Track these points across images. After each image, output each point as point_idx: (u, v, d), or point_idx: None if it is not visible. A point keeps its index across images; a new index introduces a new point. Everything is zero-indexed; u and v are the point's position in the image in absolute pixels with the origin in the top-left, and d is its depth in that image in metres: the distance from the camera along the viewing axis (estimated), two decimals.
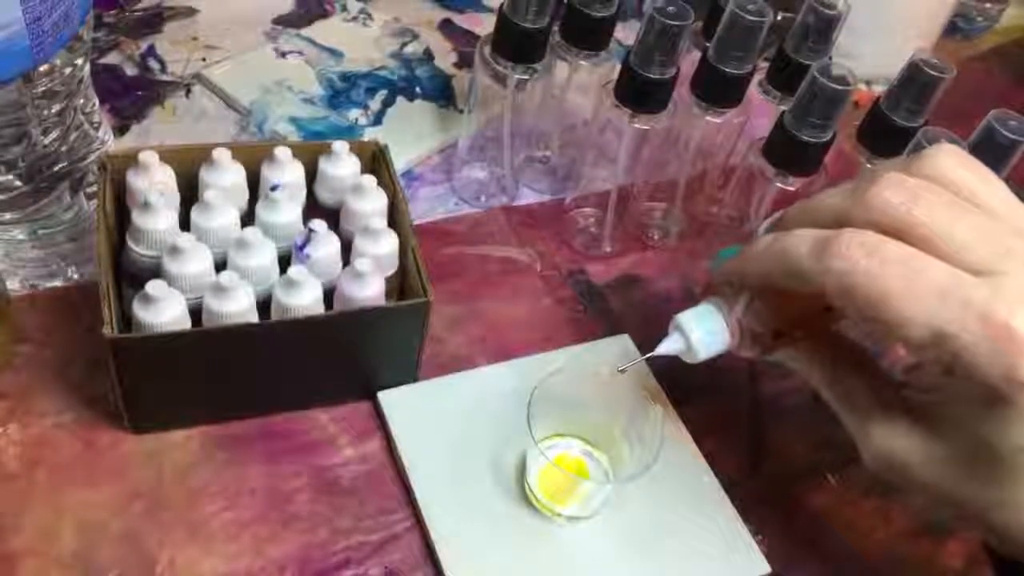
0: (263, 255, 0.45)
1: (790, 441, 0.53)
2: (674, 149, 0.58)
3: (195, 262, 0.44)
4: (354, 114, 0.65)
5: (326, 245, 0.46)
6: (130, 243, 0.46)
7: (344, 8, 0.74)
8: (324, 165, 0.50)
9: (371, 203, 0.49)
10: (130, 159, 0.47)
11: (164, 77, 0.65)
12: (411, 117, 0.66)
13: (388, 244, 0.47)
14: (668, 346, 0.44)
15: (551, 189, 0.64)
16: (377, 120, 0.65)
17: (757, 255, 0.40)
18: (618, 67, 0.54)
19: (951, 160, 0.36)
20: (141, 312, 0.42)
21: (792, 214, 0.41)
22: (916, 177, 0.36)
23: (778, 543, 0.48)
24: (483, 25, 0.75)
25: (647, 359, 0.45)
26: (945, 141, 0.46)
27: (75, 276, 0.52)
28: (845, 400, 0.40)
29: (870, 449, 0.39)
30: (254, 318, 0.45)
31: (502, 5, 0.54)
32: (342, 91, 0.67)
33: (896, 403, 0.39)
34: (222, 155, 0.48)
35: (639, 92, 0.53)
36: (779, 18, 0.55)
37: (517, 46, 0.55)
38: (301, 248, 0.46)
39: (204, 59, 0.67)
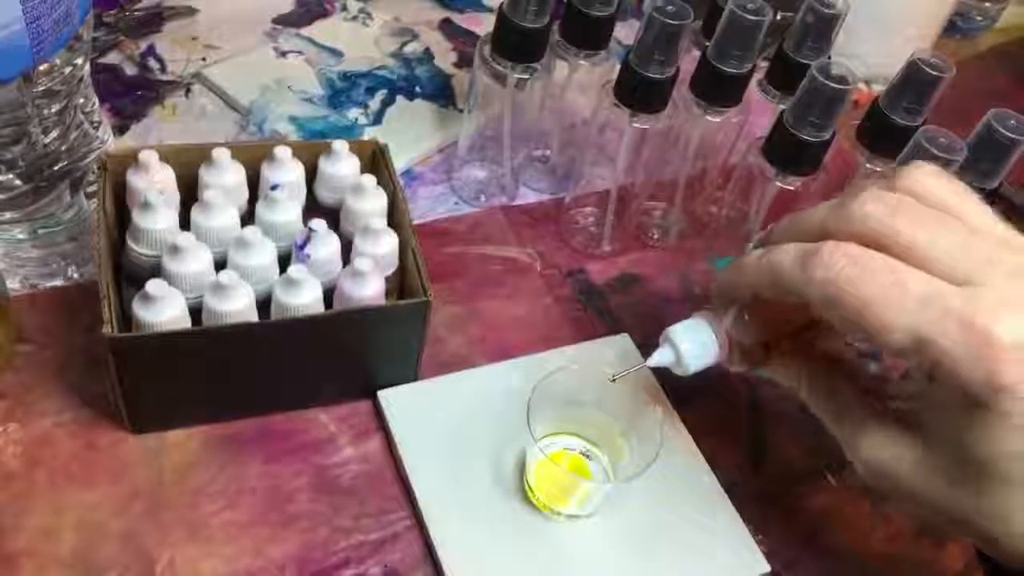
0: (263, 255, 0.45)
1: (790, 441, 0.53)
2: (674, 149, 0.58)
3: (195, 261, 0.44)
4: (354, 113, 0.65)
5: (326, 245, 0.46)
6: (130, 243, 0.46)
7: (344, 8, 0.74)
8: (324, 165, 0.50)
9: (371, 203, 0.49)
10: (130, 159, 0.48)
11: (164, 77, 0.65)
12: (411, 117, 0.66)
13: (388, 244, 0.47)
14: (658, 358, 0.45)
15: (551, 189, 0.64)
16: (377, 119, 0.65)
17: (746, 268, 0.41)
18: (618, 67, 0.54)
19: (931, 177, 0.38)
20: (141, 312, 0.42)
21: (779, 229, 0.42)
22: (897, 192, 0.37)
23: (778, 543, 0.48)
24: (483, 25, 0.75)
25: (638, 369, 0.46)
26: (940, 144, 0.46)
27: (75, 276, 0.52)
28: (835, 412, 0.41)
29: (860, 459, 0.39)
30: (254, 318, 0.45)
31: (502, 5, 0.54)
32: (342, 90, 0.67)
33: (885, 413, 0.39)
34: (222, 155, 0.48)
35: (639, 91, 0.53)
36: (779, 18, 0.55)
37: (517, 46, 0.55)
38: (301, 248, 0.46)
39: (204, 59, 0.67)
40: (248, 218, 0.48)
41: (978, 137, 0.49)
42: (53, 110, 0.47)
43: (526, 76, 0.56)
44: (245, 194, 0.50)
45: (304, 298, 0.44)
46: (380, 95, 0.67)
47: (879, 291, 0.35)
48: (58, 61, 0.45)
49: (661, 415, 0.46)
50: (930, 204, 0.36)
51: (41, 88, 0.45)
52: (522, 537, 0.46)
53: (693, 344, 0.44)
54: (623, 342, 0.55)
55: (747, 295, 0.42)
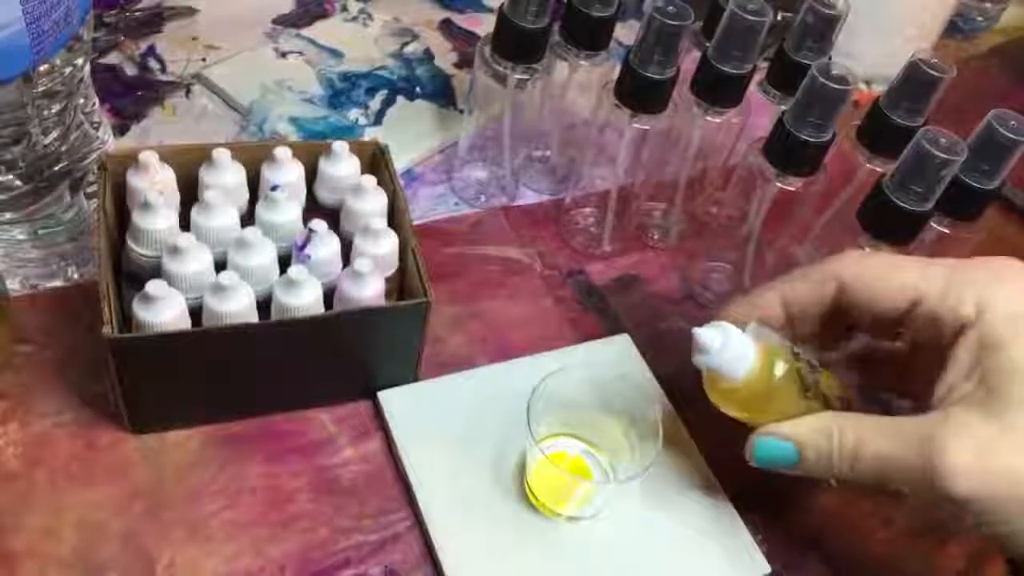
0: (263, 255, 0.45)
1: None
2: (674, 149, 0.58)
3: (195, 262, 0.44)
4: (354, 114, 0.65)
5: (326, 245, 0.46)
6: (130, 243, 0.46)
7: (344, 8, 0.74)
8: (324, 165, 0.50)
9: (371, 203, 0.49)
10: (130, 159, 0.48)
11: (164, 77, 0.65)
12: (411, 117, 0.66)
13: (388, 244, 0.47)
14: (706, 332, 0.42)
15: (551, 189, 0.64)
16: (377, 120, 0.65)
17: (769, 284, 0.45)
18: (618, 67, 0.54)
19: None
20: (141, 312, 0.42)
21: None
22: None
23: (778, 543, 0.48)
24: (483, 25, 0.75)
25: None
26: (940, 145, 0.47)
27: (75, 276, 0.52)
28: (906, 441, 0.39)
29: (954, 463, 0.37)
30: (254, 318, 0.45)
31: (502, 5, 0.54)
32: (342, 91, 0.67)
33: (948, 411, 0.39)
34: (222, 155, 0.48)
35: (639, 92, 0.53)
36: (779, 18, 0.55)
37: (517, 46, 0.55)
38: (301, 248, 0.46)
39: (204, 59, 0.67)
40: (248, 219, 0.48)
41: (979, 138, 0.49)
42: (53, 110, 0.47)
43: (526, 77, 0.56)
44: (245, 195, 0.50)
45: (304, 299, 0.44)
46: (380, 95, 0.67)
47: (892, 258, 0.44)
48: (58, 61, 0.45)
49: (661, 415, 0.46)
50: None
51: (41, 88, 0.45)
52: (522, 538, 0.46)
53: (740, 347, 0.42)
54: (623, 343, 0.55)
55: (772, 305, 0.44)
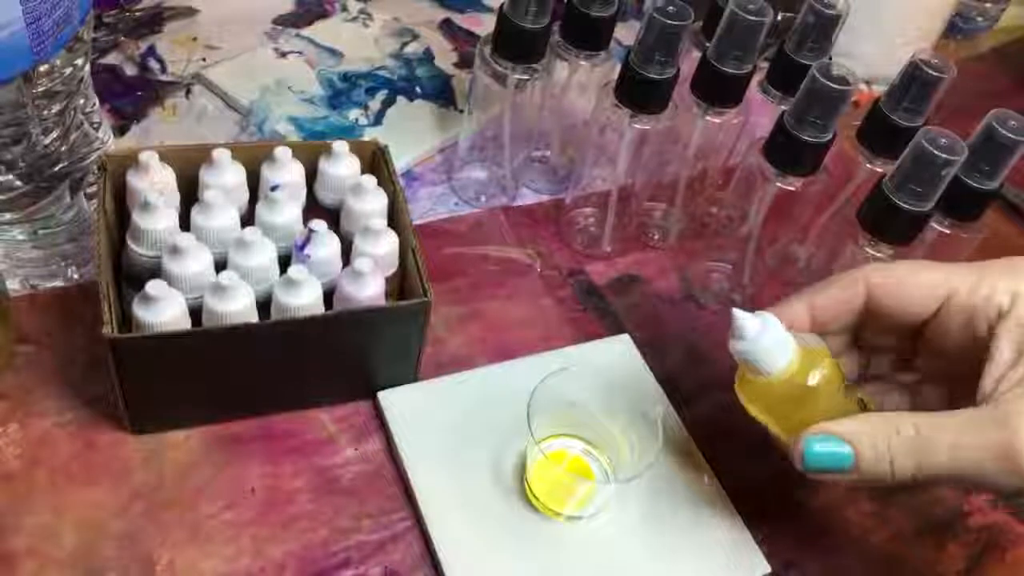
0: (263, 255, 0.45)
1: None
2: (674, 149, 0.58)
3: (195, 262, 0.44)
4: (354, 114, 0.65)
5: (326, 245, 0.46)
6: (130, 243, 0.46)
7: (344, 8, 0.74)
8: (324, 165, 0.50)
9: (371, 203, 0.49)
10: (130, 159, 0.48)
11: (164, 77, 0.65)
12: (411, 117, 0.66)
13: (388, 244, 0.47)
14: (747, 317, 0.41)
15: (551, 189, 0.64)
16: (377, 120, 0.65)
17: (792, 299, 0.44)
18: (618, 67, 0.54)
19: None
20: (141, 312, 0.42)
21: None
22: None
23: (778, 543, 0.48)
24: (483, 25, 0.75)
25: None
26: (941, 145, 0.46)
27: (75, 276, 0.52)
28: (990, 431, 0.38)
29: None
30: (254, 318, 0.45)
31: (502, 5, 0.54)
32: (342, 91, 0.67)
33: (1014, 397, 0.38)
34: (222, 155, 0.48)
35: (639, 92, 0.53)
36: (779, 18, 0.55)
37: (517, 46, 0.55)
38: (301, 248, 0.46)
39: (204, 59, 0.67)
40: (248, 218, 0.48)
41: (979, 138, 0.49)
42: (53, 111, 0.47)
43: (526, 77, 0.56)
44: (245, 194, 0.50)
45: (304, 299, 0.44)
46: (380, 96, 0.67)
47: (917, 261, 0.44)
48: (58, 62, 0.45)
49: (661, 415, 0.46)
50: None
51: (41, 88, 0.45)
52: (522, 537, 0.46)
53: (779, 338, 0.40)
54: (623, 343, 0.55)
55: (800, 316, 0.44)
